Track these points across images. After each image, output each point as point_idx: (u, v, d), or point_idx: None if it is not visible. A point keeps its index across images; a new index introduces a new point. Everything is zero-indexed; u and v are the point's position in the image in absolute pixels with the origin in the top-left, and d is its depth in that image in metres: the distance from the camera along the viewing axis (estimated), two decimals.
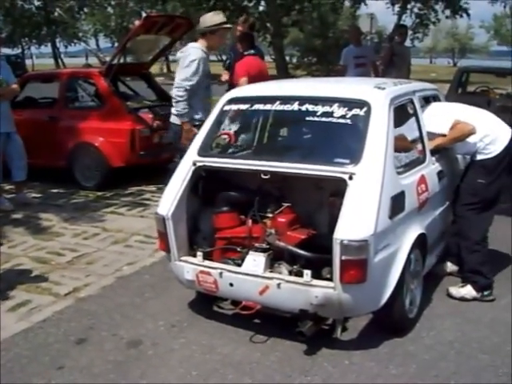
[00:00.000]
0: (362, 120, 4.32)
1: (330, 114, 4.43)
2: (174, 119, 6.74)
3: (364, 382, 3.84)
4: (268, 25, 20.13)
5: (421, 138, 4.99)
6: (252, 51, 8.15)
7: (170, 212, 4.45)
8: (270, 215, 4.51)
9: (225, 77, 8.71)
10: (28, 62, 46.76)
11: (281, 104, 4.72)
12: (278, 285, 4.07)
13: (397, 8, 29.05)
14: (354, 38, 10.89)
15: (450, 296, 5.00)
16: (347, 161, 4.17)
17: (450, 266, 5.49)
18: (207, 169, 4.67)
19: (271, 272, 4.24)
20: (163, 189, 4.75)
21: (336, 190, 4.28)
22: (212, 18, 6.65)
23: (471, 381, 3.83)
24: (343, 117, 4.39)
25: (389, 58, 10.49)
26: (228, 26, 6.79)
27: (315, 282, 4.01)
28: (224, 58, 9.76)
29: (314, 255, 4.21)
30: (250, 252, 4.34)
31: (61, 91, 9.46)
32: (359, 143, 4.20)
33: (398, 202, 4.17)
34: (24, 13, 41.98)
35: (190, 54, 6.51)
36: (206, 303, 4.87)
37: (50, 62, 48.16)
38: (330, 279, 3.96)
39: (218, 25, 6.58)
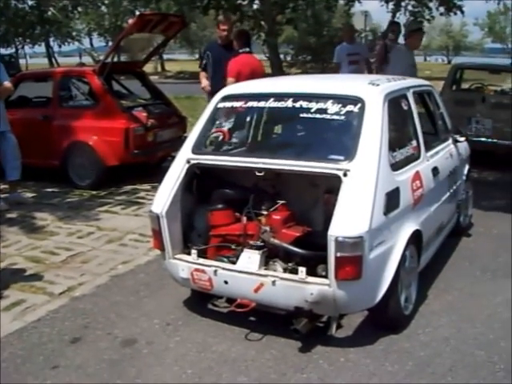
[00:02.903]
0: (357, 116, 4.31)
1: (324, 111, 4.43)
2: None
3: (360, 380, 3.82)
4: (262, 23, 20.05)
5: (415, 134, 4.98)
6: (247, 49, 8.11)
7: (164, 210, 4.43)
8: (265, 213, 4.49)
9: (205, 82, 8.57)
10: (22, 61, 46.65)
11: (275, 101, 4.72)
12: (273, 282, 4.05)
13: (391, 5, 28.97)
14: (347, 35, 10.90)
15: None
16: (342, 157, 4.16)
17: None
18: (201, 166, 4.65)
19: (266, 269, 4.24)
20: (158, 187, 4.73)
21: (331, 186, 4.27)
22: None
23: (468, 377, 3.82)
24: (337, 113, 4.39)
25: (383, 56, 10.46)
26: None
27: (310, 279, 4.00)
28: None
29: (309, 252, 4.19)
30: (245, 249, 4.34)
31: (54, 90, 9.42)
32: (354, 140, 4.19)
33: (392, 199, 4.15)
34: (17, 12, 41.74)
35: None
36: (200, 301, 4.86)
37: (43, 62, 48.00)
38: (325, 276, 3.95)
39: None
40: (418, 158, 4.87)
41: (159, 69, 50.28)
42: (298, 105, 4.57)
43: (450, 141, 5.98)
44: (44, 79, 10.34)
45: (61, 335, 4.46)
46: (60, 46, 51.95)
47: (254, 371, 3.92)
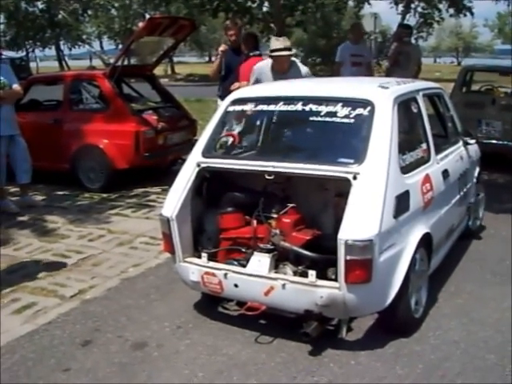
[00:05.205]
0: (366, 119, 4.31)
1: (334, 114, 4.43)
2: None
3: (370, 383, 3.82)
4: (272, 25, 20.05)
5: (425, 136, 4.97)
6: (257, 52, 8.11)
7: (174, 213, 4.44)
8: (275, 216, 4.49)
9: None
10: (32, 64, 46.86)
11: (284, 104, 4.73)
12: (283, 285, 4.06)
13: (400, 7, 28.97)
14: (355, 34, 10.63)
15: None
16: (351, 160, 4.16)
17: None
18: (211, 170, 4.66)
19: (276, 273, 4.24)
20: (168, 190, 4.74)
21: (340, 190, 4.27)
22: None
23: (478, 381, 3.81)
24: (347, 116, 4.38)
25: (396, 57, 10.38)
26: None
27: (320, 282, 4.00)
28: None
29: (319, 256, 4.19)
30: (255, 253, 4.34)
31: (65, 94, 9.47)
32: (363, 143, 4.19)
33: (402, 202, 4.15)
34: (28, 16, 42.03)
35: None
36: (211, 304, 4.87)
37: (54, 65, 48.25)
38: (335, 279, 3.95)
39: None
40: (427, 160, 4.87)
41: (169, 71, 50.35)
42: (307, 108, 4.58)
43: (460, 143, 5.96)
44: (54, 83, 10.39)
45: (72, 338, 4.47)
46: (70, 49, 52.25)
47: (265, 374, 3.92)
